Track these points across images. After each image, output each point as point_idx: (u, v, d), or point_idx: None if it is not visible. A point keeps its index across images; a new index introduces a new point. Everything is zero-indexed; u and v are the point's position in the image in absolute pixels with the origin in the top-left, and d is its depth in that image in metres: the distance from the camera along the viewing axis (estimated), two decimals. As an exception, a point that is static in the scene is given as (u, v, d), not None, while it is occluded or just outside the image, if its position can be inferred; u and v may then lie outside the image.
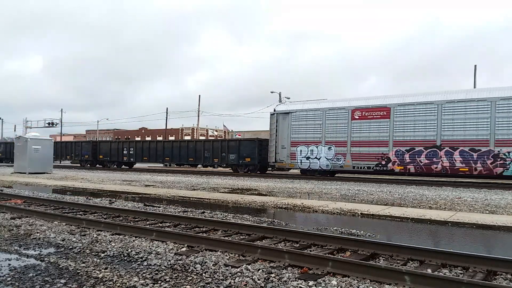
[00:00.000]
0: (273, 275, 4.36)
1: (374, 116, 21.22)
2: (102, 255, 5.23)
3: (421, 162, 19.75)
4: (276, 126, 24.49)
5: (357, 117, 21.69)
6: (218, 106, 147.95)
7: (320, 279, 4.24)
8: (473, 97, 18.67)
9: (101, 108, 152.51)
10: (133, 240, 6.09)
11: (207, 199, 12.02)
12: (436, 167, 19.36)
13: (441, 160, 19.20)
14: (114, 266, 4.73)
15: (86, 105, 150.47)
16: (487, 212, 9.80)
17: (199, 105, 52.59)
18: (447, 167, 19.07)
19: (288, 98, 51.76)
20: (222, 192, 13.99)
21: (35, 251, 5.46)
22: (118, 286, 4.00)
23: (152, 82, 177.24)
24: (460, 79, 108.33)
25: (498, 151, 17.95)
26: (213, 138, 69.34)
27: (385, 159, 20.76)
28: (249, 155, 26.74)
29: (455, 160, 18.92)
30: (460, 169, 18.83)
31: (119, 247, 5.61)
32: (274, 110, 24.93)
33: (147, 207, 10.22)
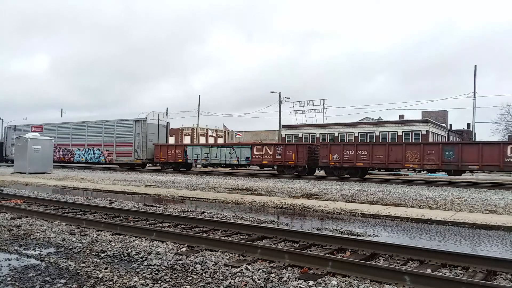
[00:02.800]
0: (273, 275, 4.36)
1: (36, 130, 36.02)
2: (102, 255, 5.22)
3: (65, 155, 37.02)
4: (6, 135, 41.81)
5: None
6: (224, 106, 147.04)
7: (320, 279, 4.24)
8: (64, 122, 38.02)
9: (106, 108, 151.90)
10: (133, 240, 6.09)
11: (207, 199, 12.02)
12: (64, 158, 36.49)
13: (70, 154, 36.31)
14: (114, 266, 4.73)
15: (91, 105, 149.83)
16: (487, 212, 9.81)
17: (199, 105, 52.58)
18: (70, 158, 36.03)
19: (288, 98, 51.68)
20: (222, 192, 13.99)
21: (35, 251, 5.46)
22: (118, 286, 4.00)
23: (159, 82, 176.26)
24: (468, 79, 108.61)
25: (72, 149, 35.67)
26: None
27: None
28: None
29: (65, 153, 36.43)
30: (61, 159, 36.40)
31: (119, 247, 5.61)
32: (7, 125, 42.65)
33: (147, 207, 10.22)
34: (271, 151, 26.02)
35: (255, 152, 26.73)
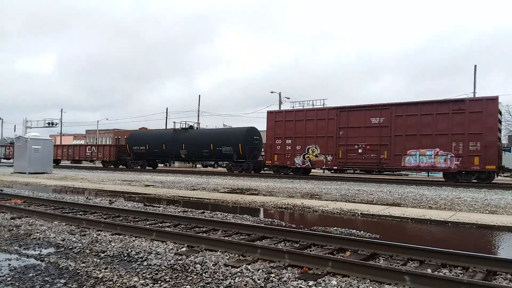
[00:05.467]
0: (273, 275, 4.36)
1: None
2: (102, 255, 5.22)
3: None
4: None
5: None
6: (228, 106, 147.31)
7: (320, 279, 4.24)
8: None
9: (111, 108, 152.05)
10: (133, 240, 6.09)
11: (207, 199, 12.02)
12: None
13: None
14: (114, 266, 4.73)
15: (96, 105, 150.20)
16: (487, 212, 9.81)
17: (199, 105, 52.74)
18: None
19: (288, 98, 51.60)
20: (222, 192, 13.99)
21: (35, 251, 5.46)
22: (118, 286, 4.00)
23: (167, 83, 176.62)
24: (474, 80, 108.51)
25: None
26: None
27: None
28: None
29: None
30: None
31: (119, 247, 5.60)
32: None
33: (147, 207, 10.22)
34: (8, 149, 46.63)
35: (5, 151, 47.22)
